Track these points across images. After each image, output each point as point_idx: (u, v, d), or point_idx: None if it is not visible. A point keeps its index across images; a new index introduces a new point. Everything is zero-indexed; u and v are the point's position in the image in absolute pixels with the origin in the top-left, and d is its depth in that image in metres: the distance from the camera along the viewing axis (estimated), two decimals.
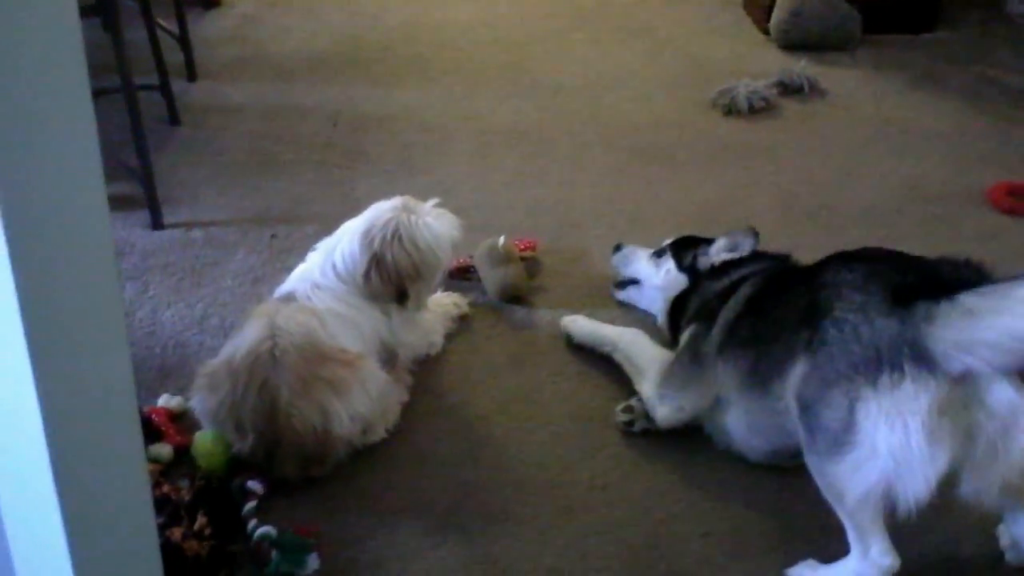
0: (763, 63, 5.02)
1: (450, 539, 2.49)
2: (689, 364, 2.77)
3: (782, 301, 2.59)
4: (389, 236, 2.78)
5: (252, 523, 2.43)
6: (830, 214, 3.88)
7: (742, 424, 2.64)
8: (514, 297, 3.31)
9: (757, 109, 4.60)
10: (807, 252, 3.58)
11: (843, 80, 4.94)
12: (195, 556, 2.30)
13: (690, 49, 5.26)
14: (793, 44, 5.22)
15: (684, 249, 3.16)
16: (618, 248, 3.37)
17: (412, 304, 2.91)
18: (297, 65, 4.99)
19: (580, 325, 3.13)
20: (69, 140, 1.42)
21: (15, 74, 1.29)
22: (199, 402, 2.66)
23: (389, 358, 2.85)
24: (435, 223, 2.85)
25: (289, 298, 2.77)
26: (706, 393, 2.71)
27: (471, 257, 3.35)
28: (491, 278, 3.30)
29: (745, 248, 3.01)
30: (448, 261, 2.98)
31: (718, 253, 3.03)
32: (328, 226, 3.63)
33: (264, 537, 2.38)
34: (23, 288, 1.32)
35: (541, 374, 3.02)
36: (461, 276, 3.36)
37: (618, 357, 2.98)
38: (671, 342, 3.00)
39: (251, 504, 2.48)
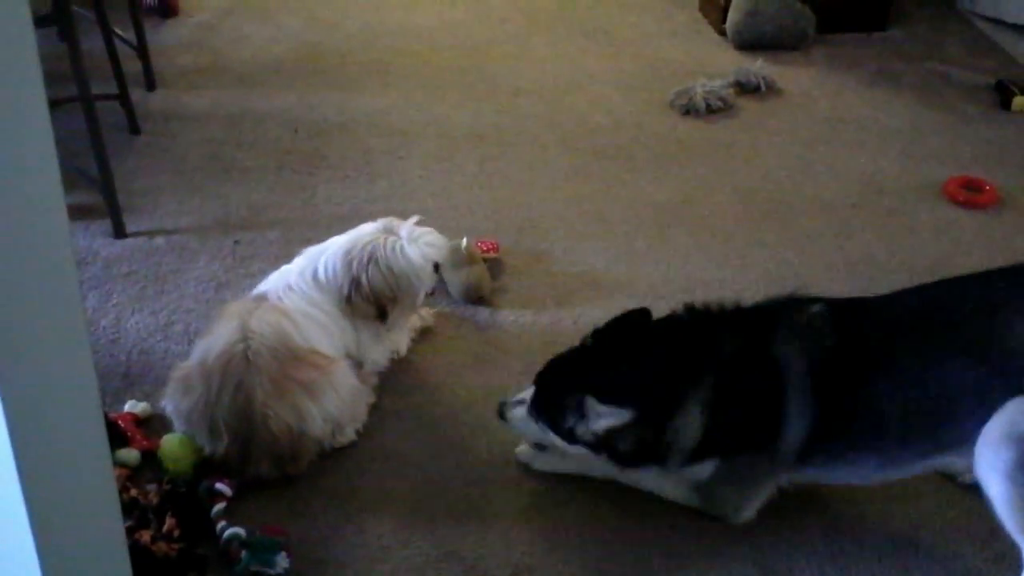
0: (720, 63, 5.06)
1: (417, 537, 2.51)
2: (750, 483, 2.48)
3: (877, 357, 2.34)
4: (366, 259, 2.80)
5: (221, 524, 2.44)
6: (788, 210, 3.92)
7: (856, 473, 2.49)
8: (477, 298, 3.33)
9: (714, 109, 4.64)
10: (767, 249, 3.66)
11: (799, 79, 4.99)
12: (164, 558, 2.31)
13: (647, 51, 5.30)
14: (749, 44, 5.26)
15: (548, 410, 2.50)
16: (501, 414, 2.66)
17: (390, 324, 2.93)
18: (256, 72, 4.98)
19: (544, 460, 2.70)
20: (26, 150, 1.42)
21: None
22: (172, 404, 2.67)
23: (355, 364, 2.86)
24: (411, 248, 2.85)
25: (260, 299, 2.78)
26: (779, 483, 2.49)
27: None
28: (454, 280, 3.32)
29: (624, 417, 2.35)
30: (427, 284, 2.96)
31: (596, 421, 2.38)
32: (290, 232, 3.67)
33: (233, 537, 2.39)
34: None
35: (505, 373, 3.04)
36: None
37: (625, 480, 2.63)
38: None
39: (220, 506, 2.49)
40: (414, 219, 2.96)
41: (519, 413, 2.58)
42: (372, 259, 2.80)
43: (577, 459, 2.57)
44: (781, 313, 2.46)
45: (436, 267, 2.99)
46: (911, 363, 2.33)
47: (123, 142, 4.25)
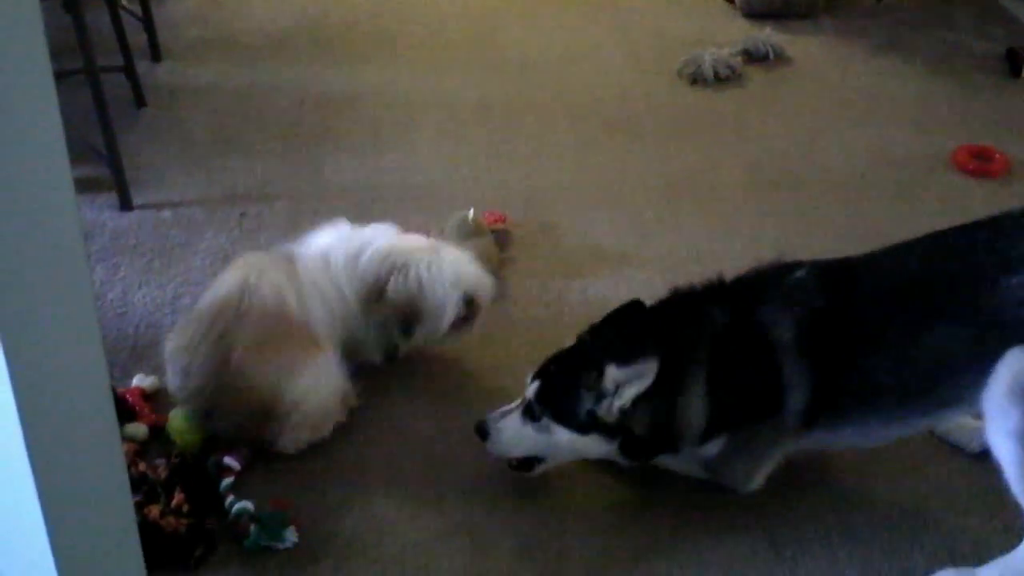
0: (728, 32, 5.03)
1: (426, 512, 2.51)
2: (759, 454, 2.46)
3: (877, 315, 2.34)
4: (400, 268, 2.71)
5: (230, 499, 2.44)
6: (796, 181, 3.90)
7: (861, 434, 2.46)
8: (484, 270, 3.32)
9: (723, 78, 4.61)
10: (775, 220, 3.64)
11: (807, 48, 4.96)
12: (173, 532, 2.31)
13: (655, 21, 5.26)
14: (757, 12, 5.23)
15: (559, 400, 2.41)
16: (483, 433, 2.52)
17: (410, 343, 2.85)
18: (261, 44, 4.96)
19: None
20: (33, 123, 1.42)
21: None
22: (168, 343, 2.65)
23: (351, 353, 2.80)
24: (448, 276, 2.74)
25: (288, 257, 2.74)
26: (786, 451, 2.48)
27: (442, 231, 3.35)
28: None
29: (648, 373, 2.30)
30: (452, 316, 2.80)
31: (621, 392, 2.32)
32: (297, 204, 3.66)
33: (242, 512, 2.39)
34: None
35: (513, 346, 3.03)
36: None
37: None
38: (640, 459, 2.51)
39: (228, 480, 2.49)
40: (462, 252, 2.86)
41: (510, 424, 2.47)
42: (404, 271, 2.71)
43: (579, 454, 2.49)
44: (766, 281, 2.44)
45: (469, 302, 2.82)
46: (901, 320, 2.32)
47: (129, 114, 4.24)
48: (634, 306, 2.50)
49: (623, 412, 2.33)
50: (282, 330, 2.57)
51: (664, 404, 2.35)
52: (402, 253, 2.75)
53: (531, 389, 2.46)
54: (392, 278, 2.71)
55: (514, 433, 2.47)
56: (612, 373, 2.29)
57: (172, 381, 2.62)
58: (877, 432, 2.45)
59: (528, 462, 2.52)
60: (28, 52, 1.39)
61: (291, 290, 2.63)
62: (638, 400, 2.31)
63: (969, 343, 2.25)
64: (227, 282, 2.62)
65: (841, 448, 2.60)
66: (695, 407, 2.37)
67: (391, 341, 2.86)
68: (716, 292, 2.46)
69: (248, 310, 2.53)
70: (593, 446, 2.41)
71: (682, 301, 2.47)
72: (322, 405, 2.62)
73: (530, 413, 2.44)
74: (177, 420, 2.61)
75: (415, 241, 2.85)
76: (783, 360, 2.32)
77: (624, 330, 2.45)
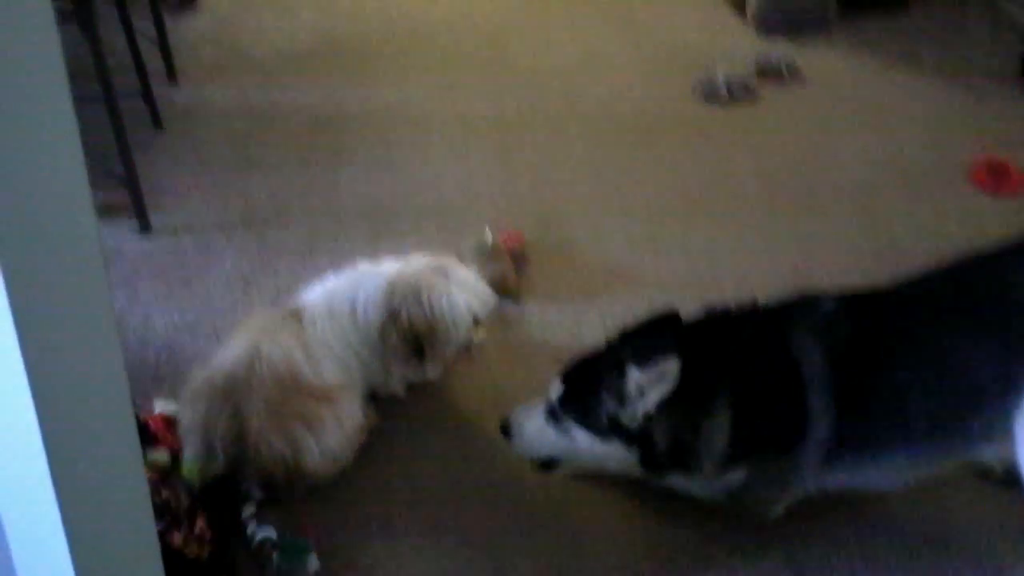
0: (741, 47, 5.03)
1: (447, 538, 2.52)
2: (779, 487, 2.44)
3: (907, 343, 2.30)
4: (410, 295, 2.70)
5: (251, 526, 2.44)
6: (811, 196, 3.90)
7: (884, 474, 2.44)
8: (503, 293, 3.33)
9: (737, 95, 4.62)
10: (792, 235, 3.64)
11: (821, 62, 4.96)
12: (195, 559, 2.32)
13: (668, 35, 5.27)
14: (771, 28, 5.23)
15: (581, 403, 2.39)
16: (507, 431, 2.55)
17: (427, 367, 2.84)
18: (276, 65, 4.98)
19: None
20: (54, 148, 1.42)
21: None
22: (181, 414, 2.66)
23: (372, 392, 2.83)
24: (459, 295, 2.74)
25: (294, 314, 2.75)
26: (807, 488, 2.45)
27: (459, 254, 3.36)
28: (480, 274, 3.31)
29: (670, 374, 2.25)
30: (463, 335, 2.80)
31: (644, 395, 2.27)
32: (315, 226, 3.67)
33: (265, 540, 2.40)
34: (15, 300, 1.33)
35: (533, 368, 3.03)
36: None
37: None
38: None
39: (250, 508, 2.50)
40: (469, 270, 2.87)
41: (534, 424, 2.47)
42: (415, 296, 2.70)
43: (599, 462, 2.47)
44: (797, 310, 2.41)
45: (475, 321, 2.83)
46: (928, 350, 2.29)
47: (146, 137, 4.26)
48: (669, 316, 2.46)
49: (648, 419, 2.28)
50: (295, 391, 2.58)
51: (689, 420, 2.31)
52: (410, 281, 2.74)
53: (554, 390, 2.44)
54: (403, 308, 2.70)
55: (537, 433, 2.46)
56: (634, 375, 2.25)
57: (189, 453, 2.60)
58: (900, 472, 2.42)
59: (550, 462, 2.51)
60: (49, 79, 1.40)
61: (300, 350, 2.64)
62: (663, 408, 2.27)
63: (998, 373, 2.23)
64: (236, 350, 2.63)
65: (865, 491, 2.55)
66: (719, 428, 2.33)
67: (411, 373, 2.85)
68: (749, 316, 2.45)
69: (259, 380, 2.55)
70: (613, 453, 2.37)
71: (715, 321, 2.45)
72: (346, 448, 2.64)
73: (552, 414, 2.43)
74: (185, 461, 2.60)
75: (418, 263, 2.83)
76: (810, 390, 2.29)
77: (651, 336, 2.41)
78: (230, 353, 2.64)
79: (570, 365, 2.47)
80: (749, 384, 2.34)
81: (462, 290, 2.76)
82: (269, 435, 2.51)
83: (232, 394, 2.55)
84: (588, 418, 2.36)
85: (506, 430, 2.52)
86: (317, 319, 2.72)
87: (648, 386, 2.25)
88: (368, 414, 2.77)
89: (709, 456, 2.35)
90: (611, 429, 2.33)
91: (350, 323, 2.73)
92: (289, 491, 2.58)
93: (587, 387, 2.37)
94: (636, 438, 2.32)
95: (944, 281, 2.37)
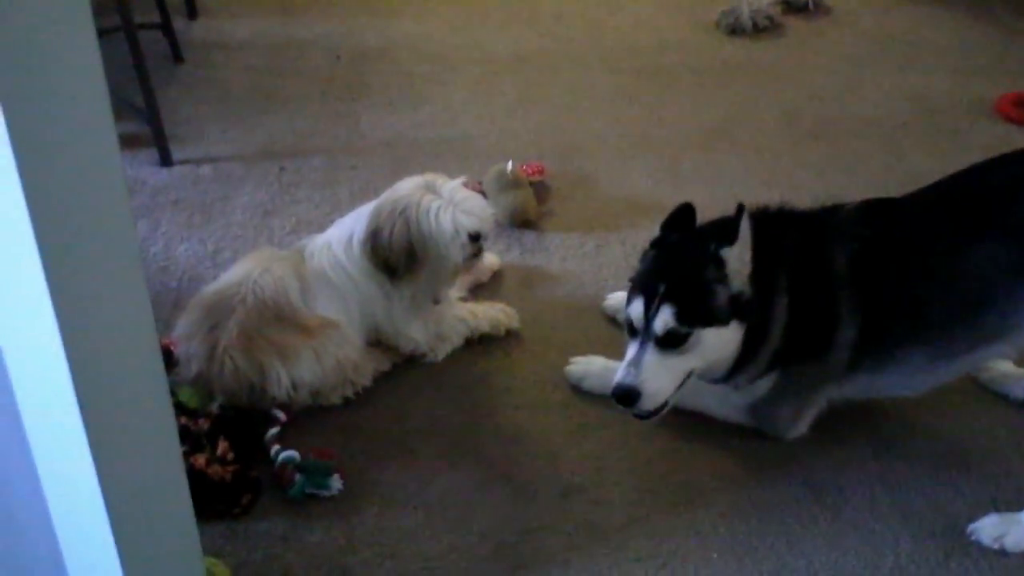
0: None
1: (466, 459, 2.53)
2: (804, 396, 2.49)
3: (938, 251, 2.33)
4: (397, 213, 2.66)
5: (275, 448, 2.47)
6: (835, 129, 3.88)
7: (904, 377, 2.47)
8: (523, 222, 3.33)
9: (761, 28, 4.58)
10: (815, 169, 3.62)
11: None
12: (220, 480, 2.35)
13: None
14: None
15: (702, 307, 2.33)
16: (630, 397, 2.35)
17: (420, 292, 2.78)
18: None
19: (593, 381, 2.70)
20: (78, 79, 1.43)
21: (22, 16, 1.30)
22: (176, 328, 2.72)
23: (377, 341, 2.80)
24: (446, 213, 2.67)
25: (298, 250, 2.76)
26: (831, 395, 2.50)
27: (480, 182, 3.36)
28: (501, 203, 3.31)
29: (745, 231, 2.32)
30: (458, 254, 2.69)
31: (742, 261, 2.32)
32: (334, 158, 3.67)
33: (288, 461, 2.42)
34: (41, 230, 1.34)
35: (553, 297, 3.04)
36: None
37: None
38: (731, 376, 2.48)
39: (274, 430, 2.52)
40: (460, 180, 2.79)
41: (652, 369, 2.33)
42: (402, 214, 2.66)
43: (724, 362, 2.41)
44: (820, 215, 2.47)
45: (476, 237, 2.73)
46: (942, 246, 2.34)
47: (166, 71, 4.26)
48: (686, 208, 2.46)
49: (751, 281, 2.32)
50: (274, 319, 2.60)
51: (762, 303, 2.35)
52: (395, 199, 2.71)
53: (658, 323, 2.32)
54: (387, 225, 2.67)
55: (663, 372, 2.35)
56: (730, 252, 2.29)
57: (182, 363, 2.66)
58: (920, 375, 2.45)
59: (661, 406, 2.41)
60: (73, 12, 1.40)
61: (295, 281, 2.65)
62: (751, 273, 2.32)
63: (1012, 268, 2.27)
64: (230, 276, 2.68)
65: (884, 396, 2.59)
66: (776, 326, 2.37)
67: (421, 307, 2.84)
68: (789, 219, 2.47)
69: (241, 302, 2.58)
70: (732, 338, 2.34)
71: (764, 220, 2.43)
72: (330, 379, 2.64)
73: (667, 342, 2.33)
74: (185, 394, 2.61)
75: (408, 184, 2.78)
76: (839, 292, 2.34)
77: (699, 227, 2.45)
78: (225, 277, 2.70)
79: (646, 291, 2.35)
80: (796, 283, 2.37)
81: (452, 208, 2.70)
82: (235, 355, 2.54)
83: (213, 313, 2.59)
84: (713, 313, 2.31)
85: (629, 398, 2.35)
86: (316, 252, 2.75)
87: (744, 251, 2.30)
88: (377, 357, 2.78)
89: (765, 353, 2.39)
90: (732, 312, 2.32)
91: (345, 251, 2.74)
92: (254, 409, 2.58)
93: (696, 293, 2.32)
94: (746, 309, 2.33)
95: (957, 184, 2.42)
